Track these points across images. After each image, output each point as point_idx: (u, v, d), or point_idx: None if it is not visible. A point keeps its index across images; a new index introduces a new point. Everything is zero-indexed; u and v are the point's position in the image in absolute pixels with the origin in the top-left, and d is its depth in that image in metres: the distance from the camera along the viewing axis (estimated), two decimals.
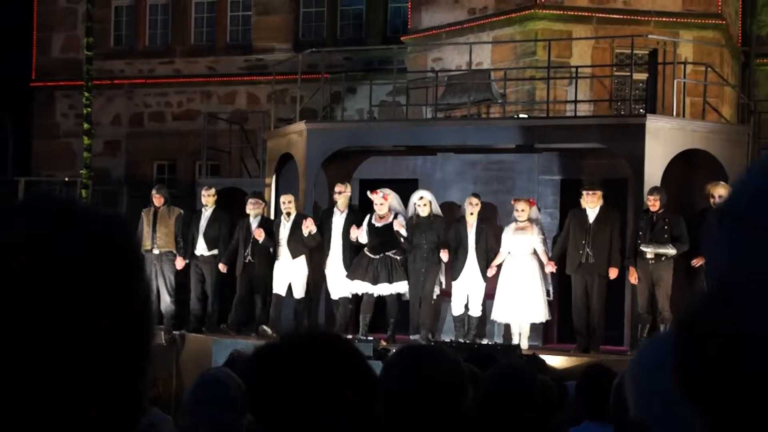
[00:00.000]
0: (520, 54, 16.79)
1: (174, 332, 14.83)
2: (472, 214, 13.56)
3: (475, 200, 13.58)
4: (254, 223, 14.61)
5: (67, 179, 19.42)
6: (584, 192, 13.14)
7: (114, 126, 22.58)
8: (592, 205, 13.08)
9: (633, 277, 12.89)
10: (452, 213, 14.54)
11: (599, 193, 13.07)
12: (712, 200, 12.80)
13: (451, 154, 15.32)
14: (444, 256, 13.41)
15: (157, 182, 21.50)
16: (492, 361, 6.35)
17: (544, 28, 16.67)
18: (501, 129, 14.68)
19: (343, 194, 14.16)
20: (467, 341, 13.00)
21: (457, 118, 15.86)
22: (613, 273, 13.01)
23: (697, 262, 12.50)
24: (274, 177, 16.02)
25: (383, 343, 13.15)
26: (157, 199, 15.39)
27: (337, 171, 15.56)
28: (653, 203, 12.73)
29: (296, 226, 14.14)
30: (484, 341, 13.20)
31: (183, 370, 14.45)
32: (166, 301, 15.18)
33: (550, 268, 13.19)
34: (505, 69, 16.22)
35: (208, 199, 15.22)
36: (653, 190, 12.85)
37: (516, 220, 13.38)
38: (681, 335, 1.05)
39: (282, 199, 14.56)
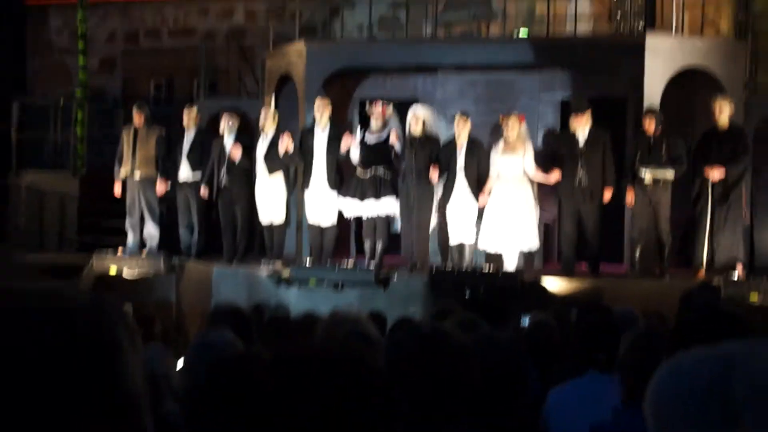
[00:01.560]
0: None
1: (174, 260, 14.50)
2: (460, 134, 13.15)
3: (462, 119, 13.15)
4: (228, 142, 14.19)
5: (62, 98, 19.32)
6: (572, 114, 13.06)
7: (109, 44, 22.41)
8: (581, 127, 12.93)
9: (630, 198, 12.84)
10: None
11: (587, 114, 12.92)
12: (714, 114, 12.87)
13: (452, 74, 15.33)
14: (433, 174, 13.00)
15: (154, 101, 21.53)
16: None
17: None
18: (501, 47, 14.66)
19: (324, 109, 13.74)
20: (468, 269, 12.90)
21: (457, 36, 15.85)
22: (608, 194, 12.87)
23: (710, 171, 12.56)
24: (273, 97, 16.00)
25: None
26: (137, 117, 15.01)
27: (337, 91, 15.55)
28: (649, 125, 12.72)
29: (274, 144, 13.87)
30: (484, 269, 12.94)
31: (183, 300, 14.34)
32: (149, 226, 15.04)
33: (556, 175, 12.86)
34: None
35: (190, 119, 14.85)
36: (649, 112, 12.82)
37: (505, 140, 13.02)
38: None
39: (261, 112, 14.30)
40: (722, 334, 3.01)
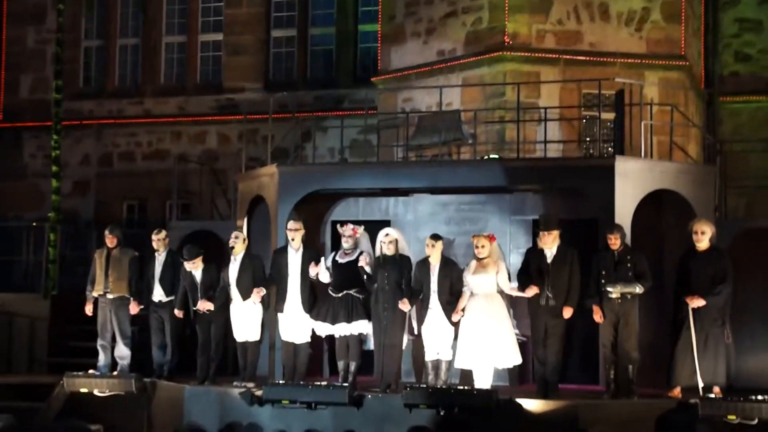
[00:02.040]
0: (490, 95, 16.90)
1: (145, 380, 14.30)
2: (431, 256, 13.15)
3: (432, 242, 13.15)
4: (197, 274, 14.12)
5: (35, 223, 19.32)
6: (540, 232, 13.05)
7: (83, 166, 22.53)
8: (549, 245, 12.90)
9: (597, 316, 12.75)
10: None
11: (555, 233, 12.89)
12: (694, 236, 12.97)
13: (424, 195, 15.41)
14: (403, 306, 12.96)
15: (127, 224, 21.53)
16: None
17: (513, 70, 16.83)
18: (472, 170, 14.73)
19: (297, 232, 13.73)
20: (443, 387, 12.69)
21: (428, 160, 15.97)
22: (567, 312, 12.76)
23: (691, 300, 12.67)
24: (245, 219, 16.03)
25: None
26: (110, 240, 14.90)
27: (309, 213, 15.53)
28: (614, 242, 12.74)
29: (244, 266, 13.80)
30: (459, 386, 12.71)
31: (155, 420, 14.15)
32: (120, 347, 14.83)
33: (533, 290, 12.74)
34: (474, 110, 16.25)
35: (159, 242, 14.76)
36: (613, 229, 12.86)
37: (477, 258, 12.98)
38: None
39: (232, 235, 14.10)
40: None
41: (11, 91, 23.19)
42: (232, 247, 13.93)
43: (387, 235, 13.33)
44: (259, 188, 15.77)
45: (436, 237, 13.26)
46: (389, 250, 13.23)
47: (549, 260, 12.91)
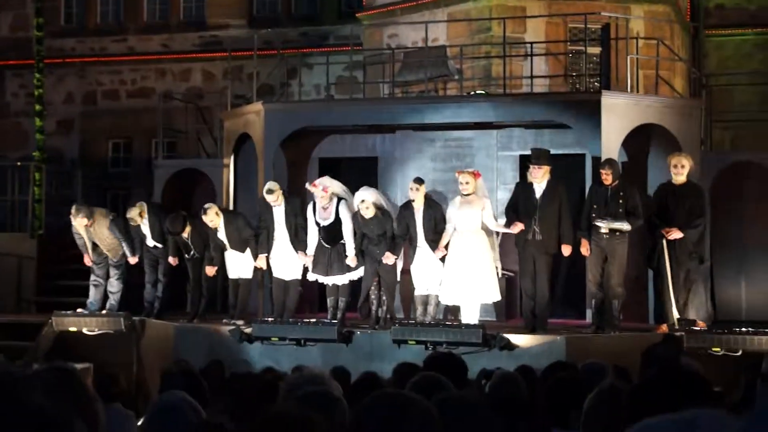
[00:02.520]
0: (476, 30, 16.82)
1: (134, 318, 14.40)
2: (414, 199, 13.19)
3: (415, 186, 13.14)
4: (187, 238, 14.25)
5: (19, 162, 19.24)
6: (531, 166, 13.00)
7: (66, 105, 22.41)
8: (538, 179, 12.85)
9: (585, 249, 12.75)
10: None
11: (546, 167, 12.86)
12: (673, 169, 12.96)
13: (410, 132, 15.40)
14: (387, 260, 13.08)
15: (113, 163, 21.47)
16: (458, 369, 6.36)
17: (499, 5, 16.70)
18: (458, 106, 14.73)
19: (274, 194, 13.69)
20: (431, 321, 12.91)
21: (414, 96, 15.95)
22: (566, 250, 12.80)
23: (668, 233, 12.72)
24: (232, 157, 16.01)
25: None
26: (79, 223, 14.81)
27: (296, 150, 15.59)
28: (605, 177, 12.67)
29: (231, 226, 13.89)
30: (446, 322, 12.94)
31: (144, 358, 14.24)
32: (113, 283, 14.99)
33: (518, 227, 12.74)
34: (460, 45, 16.16)
35: (136, 216, 14.55)
36: (605, 164, 12.81)
37: (461, 194, 12.98)
38: None
39: (208, 213, 13.93)
40: (683, 393, 3.03)
41: None
42: (212, 221, 13.90)
43: (363, 201, 13.19)
44: (245, 126, 15.75)
45: (419, 181, 13.27)
46: (368, 214, 13.16)
47: (538, 195, 12.87)
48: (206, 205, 13.99)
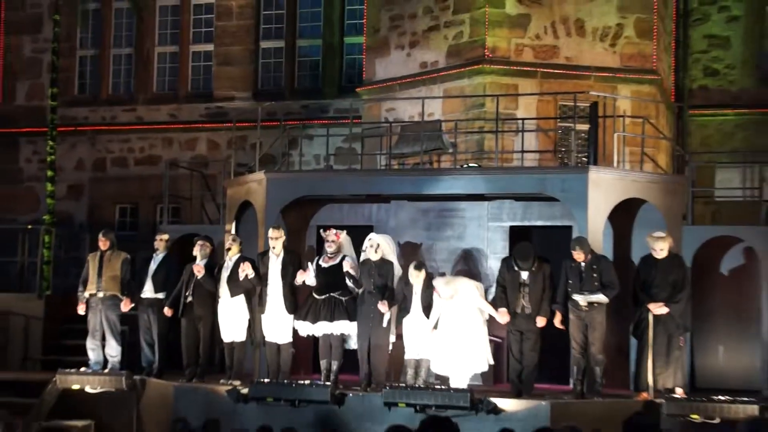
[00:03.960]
0: (470, 106, 16.96)
1: (134, 377, 14.37)
2: (414, 283, 13.27)
3: (416, 273, 13.22)
4: (201, 263, 14.28)
5: (30, 226, 19.34)
6: (518, 261, 13.07)
7: (77, 171, 22.51)
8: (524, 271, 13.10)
9: (557, 321, 12.92)
10: (406, 255, 14.67)
11: (529, 262, 13.01)
12: (652, 251, 13.13)
13: (405, 202, 15.49)
14: (382, 308, 13.12)
15: (119, 226, 21.52)
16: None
17: (492, 82, 16.88)
18: (452, 178, 14.80)
19: (278, 240, 13.84)
20: (421, 385, 12.87)
21: (410, 168, 16.04)
22: (541, 322, 12.96)
23: (654, 307, 12.82)
24: (234, 223, 16.08)
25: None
26: (103, 243, 15.07)
27: (295, 218, 15.66)
28: (577, 255, 12.84)
29: (236, 267, 13.90)
30: (436, 386, 12.74)
31: (144, 416, 14.21)
32: (111, 345, 14.92)
33: (504, 317, 12.99)
34: (455, 120, 16.36)
35: (160, 243, 15.06)
36: (575, 244, 12.96)
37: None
38: None
39: (227, 238, 14.48)
40: None
41: (8, 98, 23.16)
42: (229, 249, 14.13)
43: (370, 239, 13.56)
44: (247, 193, 15.81)
45: (419, 267, 13.35)
46: (373, 255, 13.38)
47: (524, 276, 13.09)
48: (232, 235, 14.40)
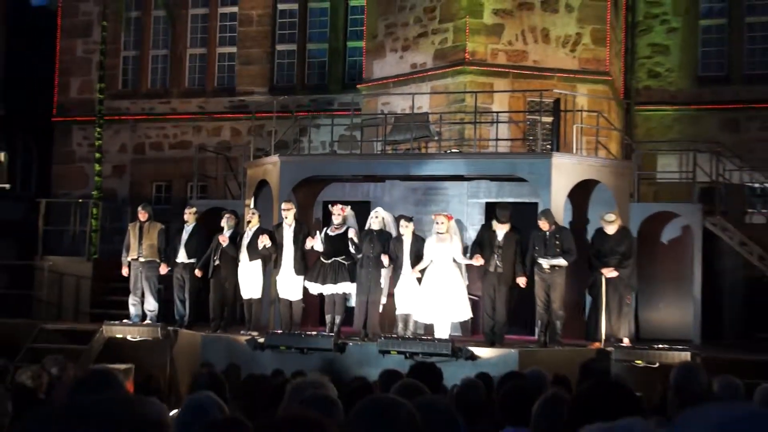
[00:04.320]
0: (452, 100, 16.85)
1: (168, 328, 14.31)
2: (405, 233, 13.23)
3: (405, 223, 13.22)
4: (227, 234, 14.19)
5: (81, 200, 19.23)
6: (496, 221, 13.05)
7: (120, 153, 22.36)
8: (501, 230, 12.99)
9: (522, 281, 12.79)
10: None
11: (508, 225, 12.97)
12: (604, 227, 13.11)
13: (397, 181, 15.39)
14: (384, 260, 13.04)
15: (156, 201, 21.42)
16: (436, 376, 6.30)
17: (471, 81, 16.76)
18: (437, 162, 14.73)
19: (289, 211, 13.72)
20: (410, 336, 12.84)
21: (401, 153, 15.94)
22: (521, 281, 12.85)
23: (606, 272, 12.77)
24: (252, 199, 15.96)
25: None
26: (142, 215, 14.96)
27: (305, 194, 15.56)
28: (543, 224, 12.79)
29: (255, 236, 13.81)
30: (422, 336, 12.80)
31: (176, 362, 14.15)
32: (149, 301, 14.85)
33: (479, 260, 12.82)
34: (440, 112, 16.27)
35: (189, 216, 14.89)
36: (541, 214, 12.92)
37: (436, 232, 12.99)
38: None
39: (248, 211, 14.34)
40: (614, 403, 3.04)
41: (63, 92, 22.95)
42: (249, 221, 14.04)
43: (376, 212, 13.57)
44: (264, 174, 15.71)
45: (408, 219, 13.35)
46: (375, 225, 13.35)
47: (500, 237, 12.98)
48: (252, 209, 14.34)
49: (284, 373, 9.58)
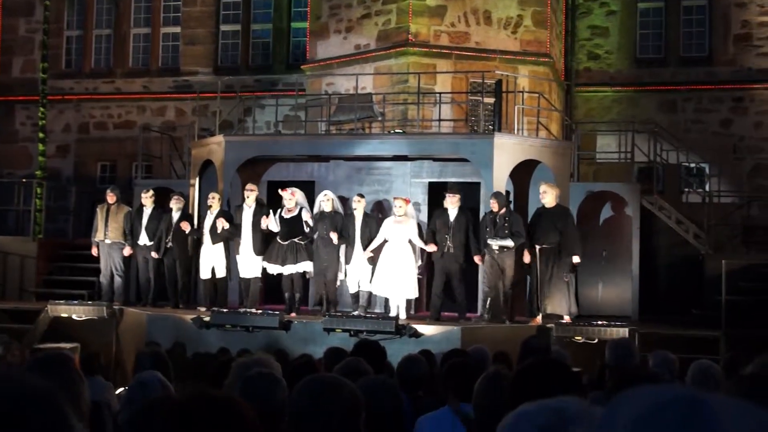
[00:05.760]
0: (396, 81, 16.82)
1: (114, 306, 14.18)
2: (356, 209, 13.51)
3: (358, 198, 13.58)
4: (176, 215, 14.36)
5: (24, 179, 18.91)
6: (447, 194, 13.19)
7: (64, 133, 22.01)
8: (452, 205, 13.03)
9: (478, 258, 12.99)
10: (344, 206, 14.57)
11: (458, 196, 13.08)
12: (541, 195, 13.17)
13: (341, 162, 15.33)
14: (333, 237, 13.26)
15: (100, 180, 21.13)
16: (379, 354, 6.31)
17: (415, 62, 16.74)
18: (380, 142, 14.71)
19: (252, 192, 13.90)
20: (361, 313, 12.96)
21: (345, 133, 15.88)
22: (478, 259, 13.02)
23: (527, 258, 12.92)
24: (197, 179, 15.81)
25: (292, 315, 13.11)
26: (110, 197, 15.02)
27: (249, 174, 15.41)
28: (493, 205, 12.87)
29: (217, 218, 13.93)
30: (375, 311, 13.02)
31: (122, 340, 13.98)
32: (117, 281, 14.94)
33: (432, 248, 13.02)
34: (384, 93, 16.20)
35: (147, 199, 14.84)
36: (493, 196, 12.99)
37: (395, 214, 13.23)
38: None
39: (209, 195, 14.35)
40: (553, 381, 3.07)
41: (5, 71, 22.49)
42: (210, 205, 14.13)
43: (326, 194, 13.74)
44: (208, 153, 15.55)
45: (361, 195, 13.68)
46: (327, 207, 13.54)
47: (452, 219, 13.09)
48: (213, 193, 14.35)
49: (230, 351, 9.51)
